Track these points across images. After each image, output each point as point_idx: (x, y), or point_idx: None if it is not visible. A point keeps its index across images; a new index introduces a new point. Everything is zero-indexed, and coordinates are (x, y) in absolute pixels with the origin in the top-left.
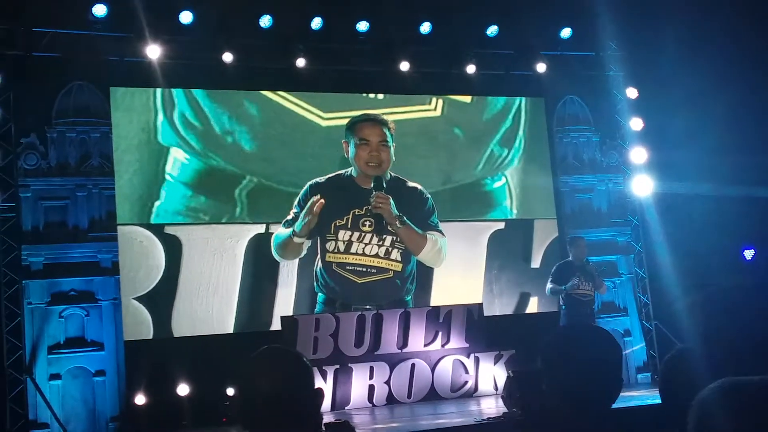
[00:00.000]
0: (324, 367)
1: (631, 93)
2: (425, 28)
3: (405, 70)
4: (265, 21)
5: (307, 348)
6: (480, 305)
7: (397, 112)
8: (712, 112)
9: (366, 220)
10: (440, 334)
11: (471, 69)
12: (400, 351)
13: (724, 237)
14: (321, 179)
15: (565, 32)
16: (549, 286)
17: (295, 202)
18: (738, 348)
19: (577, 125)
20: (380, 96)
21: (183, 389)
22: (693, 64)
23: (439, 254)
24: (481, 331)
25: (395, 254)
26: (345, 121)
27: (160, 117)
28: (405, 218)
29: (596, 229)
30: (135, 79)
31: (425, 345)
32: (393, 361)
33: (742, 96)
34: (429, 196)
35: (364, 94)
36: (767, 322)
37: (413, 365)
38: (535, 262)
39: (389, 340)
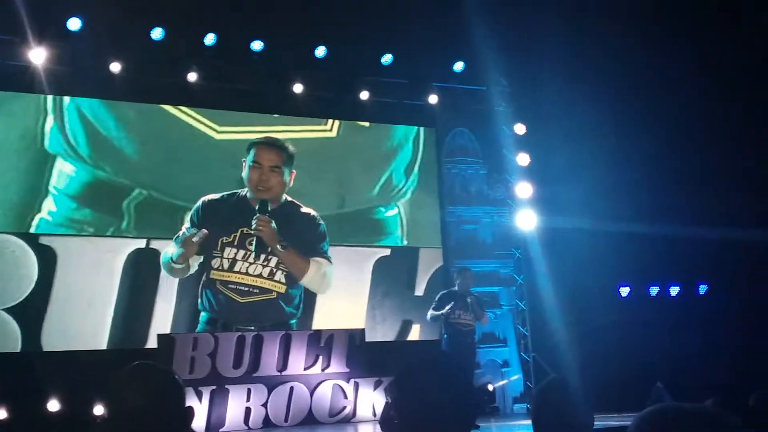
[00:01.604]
0: (200, 388)
1: (519, 129)
2: (320, 51)
3: (298, 92)
4: (157, 33)
5: (184, 367)
6: (362, 331)
7: (292, 131)
8: (595, 150)
9: (252, 240)
10: (321, 358)
11: (364, 95)
12: (279, 374)
13: (603, 272)
14: (215, 196)
15: (458, 65)
16: (430, 312)
17: (187, 218)
18: (611, 378)
19: (465, 157)
20: (275, 114)
21: (53, 405)
22: (578, 104)
23: (323, 280)
24: (363, 356)
25: (279, 275)
26: (239, 136)
27: (50, 123)
28: (286, 243)
29: (480, 260)
30: (17, 84)
31: (305, 368)
32: (271, 384)
33: (623, 136)
34: (322, 222)
35: (259, 113)
36: (637, 359)
37: (292, 388)
38: (419, 290)
39: (269, 363)
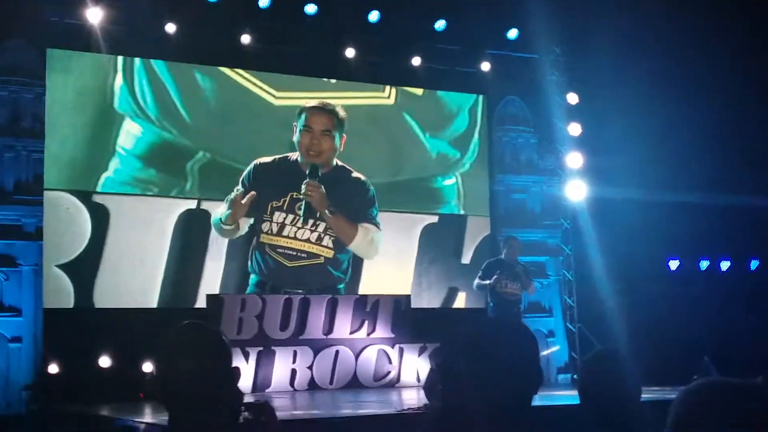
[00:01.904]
0: (247, 348)
1: (572, 98)
2: (373, 16)
3: (351, 57)
4: None
5: (232, 328)
6: (408, 297)
7: (350, 97)
8: (647, 121)
9: (301, 204)
10: (366, 323)
11: (416, 61)
12: (325, 337)
13: (652, 245)
14: (267, 159)
15: (512, 33)
16: (476, 281)
17: (240, 180)
18: (659, 351)
19: (516, 125)
20: (332, 80)
21: (103, 361)
22: (632, 74)
23: (371, 246)
24: (408, 322)
25: (327, 241)
26: (297, 101)
27: (119, 82)
28: (334, 209)
29: (528, 230)
30: (74, 42)
31: (351, 333)
32: (317, 347)
33: (674, 106)
34: (371, 188)
35: (316, 78)
36: (684, 333)
37: (337, 352)
38: (466, 258)
39: (315, 326)
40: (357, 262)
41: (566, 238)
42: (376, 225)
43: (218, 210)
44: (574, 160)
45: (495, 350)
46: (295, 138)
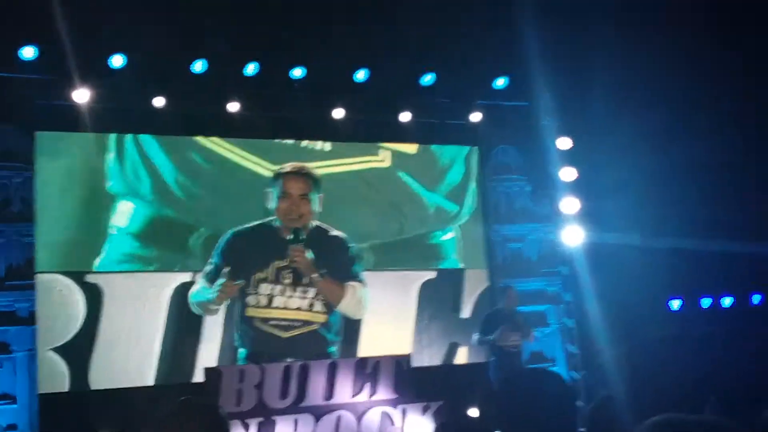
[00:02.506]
0: (247, 420)
1: (564, 143)
2: (361, 75)
3: (339, 117)
4: (199, 66)
5: (231, 400)
6: (408, 356)
7: (344, 164)
8: (642, 164)
9: (287, 272)
10: (368, 385)
11: (406, 117)
12: (326, 402)
13: (652, 288)
14: (245, 227)
15: (500, 82)
16: (476, 336)
17: (216, 251)
18: (664, 394)
19: (509, 174)
20: (327, 147)
21: None
22: (625, 116)
23: (359, 305)
24: (410, 382)
25: (318, 306)
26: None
27: (109, 161)
28: (323, 271)
29: (526, 279)
30: (63, 124)
31: (352, 396)
32: (318, 413)
33: (671, 147)
34: (352, 245)
35: (310, 145)
36: (690, 373)
37: (339, 417)
38: (465, 313)
39: (315, 392)
40: (355, 324)
41: (565, 285)
42: (361, 282)
43: (196, 287)
44: (570, 205)
45: (528, 400)
46: (271, 204)
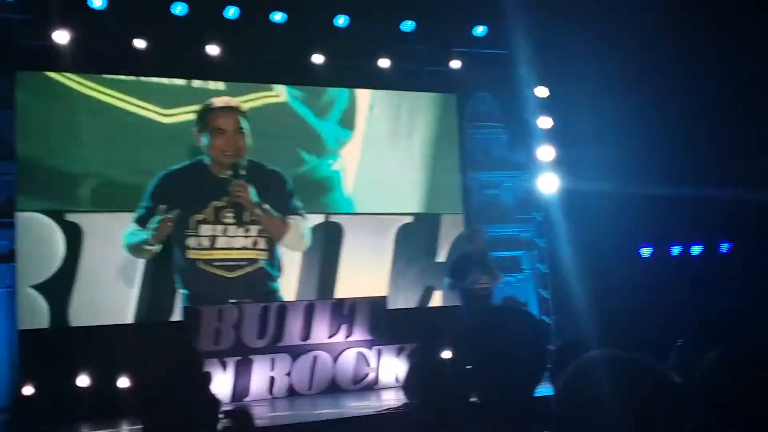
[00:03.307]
0: (224, 359)
1: (541, 92)
2: (341, 21)
3: (319, 63)
4: (179, 9)
5: (209, 339)
6: (384, 298)
7: (241, 101)
8: (616, 113)
9: (227, 212)
10: (344, 326)
11: (385, 63)
12: (303, 343)
13: (625, 235)
14: (173, 168)
15: (479, 30)
16: (447, 280)
17: (146, 194)
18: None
19: (487, 122)
20: (220, 86)
21: (81, 380)
22: (601, 66)
23: (302, 239)
24: (385, 324)
25: (262, 243)
26: (188, 117)
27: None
28: (265, 205)
29: (502, 225)
30: (42, 64)
31: (329, 337)
32: (295, 353)
33: (646, 97)
34: (288, 179)
35: (203, 86)
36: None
37: (315, 357)
38: (441, 257)
39: (292, 332)
40: (332, 266)
41: (540, 232)
42: (302, 215)
43: (130, 228)
44: (546, 153)
45: (499, 338)
46: (202, 143)
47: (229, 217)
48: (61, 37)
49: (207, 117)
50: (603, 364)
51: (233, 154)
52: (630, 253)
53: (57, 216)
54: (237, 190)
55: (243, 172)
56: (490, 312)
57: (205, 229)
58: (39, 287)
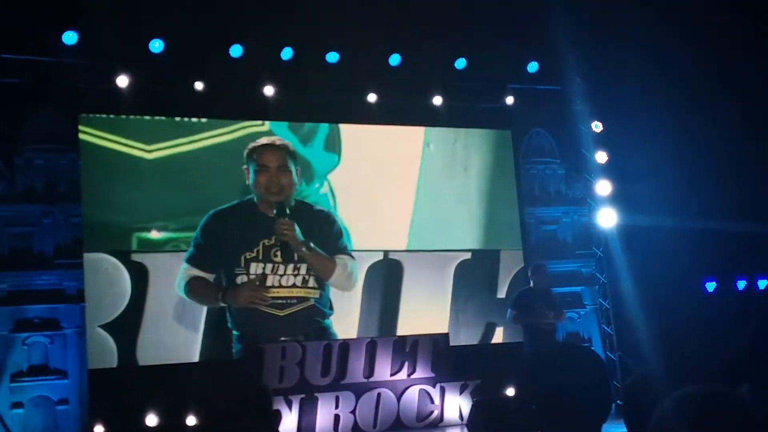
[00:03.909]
0: (290, 396)
1: (596, 126)
2: (394, 59)
3: (373, 102)
4: (236, 50)
5: (273, 376)
6: (446, 335)
7: (222, 133)
8: (674, 145)
9: (276, 250)
10: (406, 363)
11: (438, 101)
12: (366, 380)
13: (687, 268)
14: (223, 207)
15: (532, 66)
16: (510, 312)
17: (196, 233)
18: (698, 374)
19: (543, 157)
20: (204, 120)
21: (150, 420)
22: (656, 99)
23: (350, 278)
24: (447, 360)
25: (312, 282)
26: (170, 151)
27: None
28: (312, 244)
29: (561, 260)
30: (104, 107)
31: (392, 374)
32: (359, 391)
33: (700, 130)
34: (336, 218)
35: (185, 119)
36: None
37: (379, 395)
38: (501, 293)
39: (356, 370)
40: (393, 304)
41: (600, 267)
42: (350, 255)
43: (182, 268)
44: (603, 187)
45: (562, 376)
46: (249, 181)
47: (277, 255)
48: (122, 80)
49: (253, 154)
50: (695, 401)
51: (277, 192)
52: (694, 288)
53: (123, 256)
54: (283, 229)
55: (288, 211)
56: (553, 349)
57: (255, 267)
58: (107, 327)
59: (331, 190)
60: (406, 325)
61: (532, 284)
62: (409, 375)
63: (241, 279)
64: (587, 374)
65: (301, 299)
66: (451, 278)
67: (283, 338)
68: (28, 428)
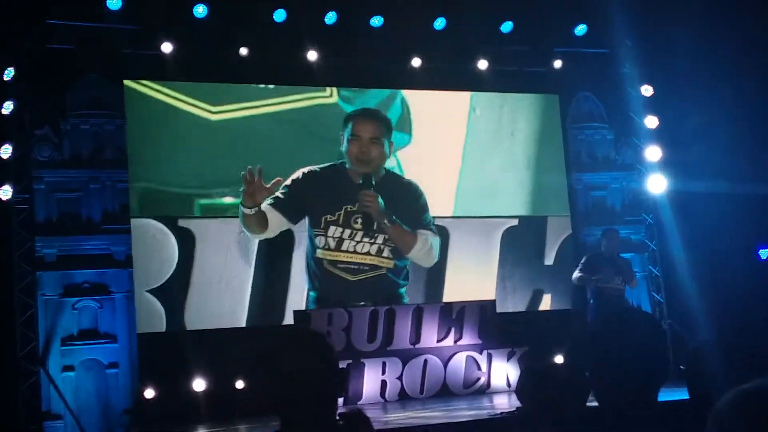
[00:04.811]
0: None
1: (646, 91)
2: (439, 23)
3: (417, 66)
4: (279, 15)
5: None
6: (493, 302)
7: (289, 101)
8: (727, 110)
9: (357, 218)
10: (453, 330)
11: (484, 65)
12: (412, 347)
13: (740, 236)
14: (316, 168)
15: (580, 29)
16: (577, 274)
17: (285, 184)
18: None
19: (591, 122)
20: (270, 86)
21: (198, 384)
22: (708, 61)
23: (430, 253)
24: (494, 327)
25: (387, 252)
26: (235, 114)
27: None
28: (394, 217)
29: (610, 227)
30: (149, 72)
31: (438, 341)
32: (405, 357)
33: (756, 93)
34: (423, 192)
35: (254, 85)
36: None
37: (426, 361)
38: (549, 260)
39: (402, 336)
40: (440, 270)
41: (650, 234)
42: (432, 230)
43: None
44: (653, 153)
45: (621, 344)
46: (343, 147)
47: (358, 222)
48: (166, 46)
49: (348, 122)
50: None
51: (367, 162)
52: (748, 255)
53: (170, 222)
54: (366, 200)
55: (373, 182)
56: (611, 314)
57: (334, 231)
58: (155, 292)
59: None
60: (453, 292)
61: (603, 248)
62: (455, 341)
63: (319, 240)
64: (645, 340)
65: (374, 267)
66: (498, 245)
67: (350, 304)
68: (80, 391)
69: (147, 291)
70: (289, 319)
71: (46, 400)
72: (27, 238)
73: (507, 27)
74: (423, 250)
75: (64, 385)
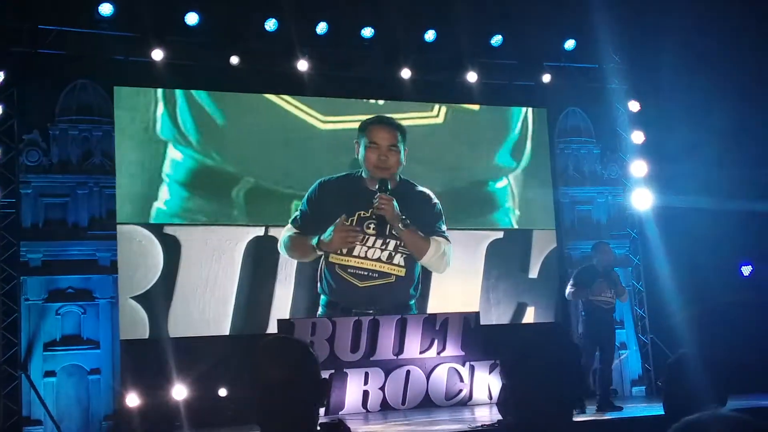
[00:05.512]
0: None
1: (633, 106)
2: (429, 36)
3: (407, 78)
4: (271, 24)
5: None
6: (477, 314)
7: (398, 118)
8: (712, 126)
9: (370, 223)
10: (436, 341)
11: (473, 78)
12: (395, 357)
13: (723, 252)
14: (331, 178)
15: (569, 44)
16: (570, 289)
17: (303, 200)
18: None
19: (578, 137)
20: (380, 102)
21: (180, 391)
22: (694, 79)
23: (443, 259)
24: (477, 339)
25: (398, 259)
26: (344, 125)
27: (160, 109)
28: (408, 221)
29: (594, 241)
30: (139, 79)
31: (421, 352)
32: (388, 368)
33: (741, 110)
34: (437, 201)
35: (365, 100)
36: (760, 341)
37: (408, 372)
38: (533, 273)
39: (385, 346)
40: (425, 281)
41: (635, 248)
42: (446, 238)
43: (288, 230)
44: (639, 168)
45: (536, 361)
46: (359, 155)
47: (371, 227)
48: (157, 53)
49: (365, 130)
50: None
51: (384, 168)
52: (730, 272)
53: (156, 229)
54: (382, 203)
55: (389, 187)
56: (526, 335)
57: None
58: (139, 298)
59: None
60: (437, 303)
61: (594, 262)
62: (438, 353)
63: None
64: (556, 359)
65: (383, 274)
66: (483, 257)
67: (356, 311)
68: (61, 396)
69: (131, 297)
70: (272, 328)
71: (27, 405)
72: (12, 242)
73: (497, 41)
74: (436, 255)
75: (46, 391)
